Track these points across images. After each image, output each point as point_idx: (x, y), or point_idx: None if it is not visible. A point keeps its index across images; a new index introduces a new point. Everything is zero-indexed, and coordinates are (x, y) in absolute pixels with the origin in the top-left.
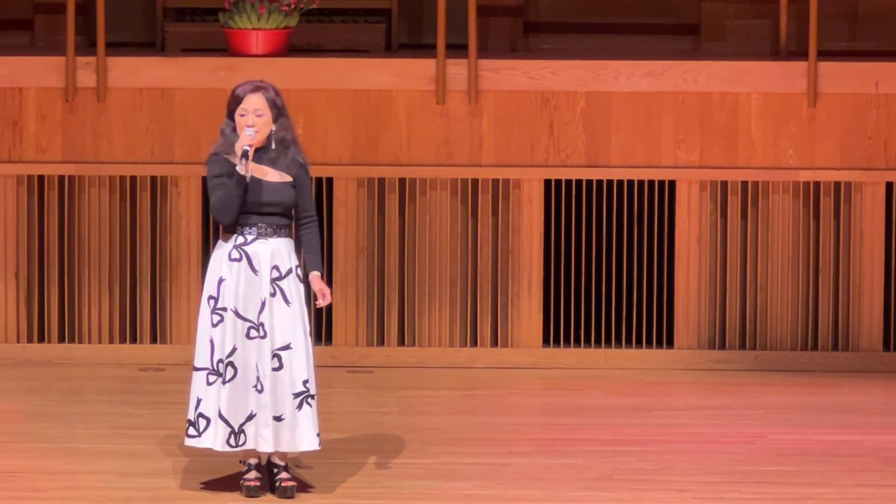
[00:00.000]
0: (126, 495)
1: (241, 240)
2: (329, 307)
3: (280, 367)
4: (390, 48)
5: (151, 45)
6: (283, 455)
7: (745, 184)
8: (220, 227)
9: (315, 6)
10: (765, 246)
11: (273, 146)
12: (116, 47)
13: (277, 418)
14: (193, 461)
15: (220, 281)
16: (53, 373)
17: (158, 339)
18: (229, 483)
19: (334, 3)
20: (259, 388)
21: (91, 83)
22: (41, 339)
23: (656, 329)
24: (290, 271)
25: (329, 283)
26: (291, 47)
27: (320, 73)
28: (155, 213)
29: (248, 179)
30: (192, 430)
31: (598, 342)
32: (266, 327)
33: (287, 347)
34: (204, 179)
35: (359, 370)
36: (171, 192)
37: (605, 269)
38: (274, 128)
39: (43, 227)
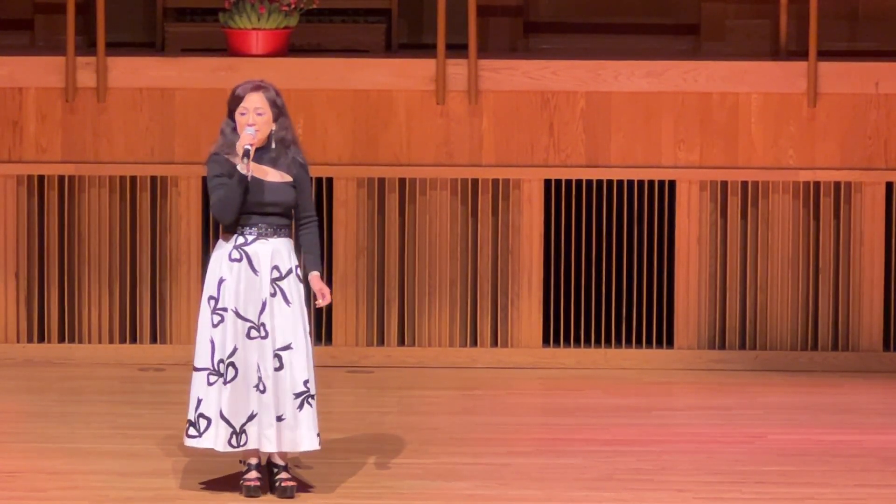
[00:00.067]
0: (126, 495)
1: (241, 240)
2: (329, 307)
3: (281, 368)
4: (390, 48)
5: (151, 45)
6: (283, 455)
7: (745, 184)
8: (221, 226)
9: (315, 6)
10: (765, 246)
11: (273, 146)
12: (116, 47)
13: (278, 418)
14: (193, 461)
15: (221, 281)
16: (53, 373)
17: (158, 339)
18: (229, 483)
19: (334, 3)
20: (261, 388)
21: (91, 83)
22: (41, 339)
23: (656, 329)
24: (290, 271)
25: (329, 283)
26: (291, 47)
27: (320, 73)
28: (155, 213)
29: (248, 179)
30: (192, 431)
31: (598, 342)
32: (267, 327)
33: (287, 347)
34: (204, 179)
35: (359, 370)
36: (171, 192)
37: (605, 269)
38: (274, 127)
39: (43, 227)
